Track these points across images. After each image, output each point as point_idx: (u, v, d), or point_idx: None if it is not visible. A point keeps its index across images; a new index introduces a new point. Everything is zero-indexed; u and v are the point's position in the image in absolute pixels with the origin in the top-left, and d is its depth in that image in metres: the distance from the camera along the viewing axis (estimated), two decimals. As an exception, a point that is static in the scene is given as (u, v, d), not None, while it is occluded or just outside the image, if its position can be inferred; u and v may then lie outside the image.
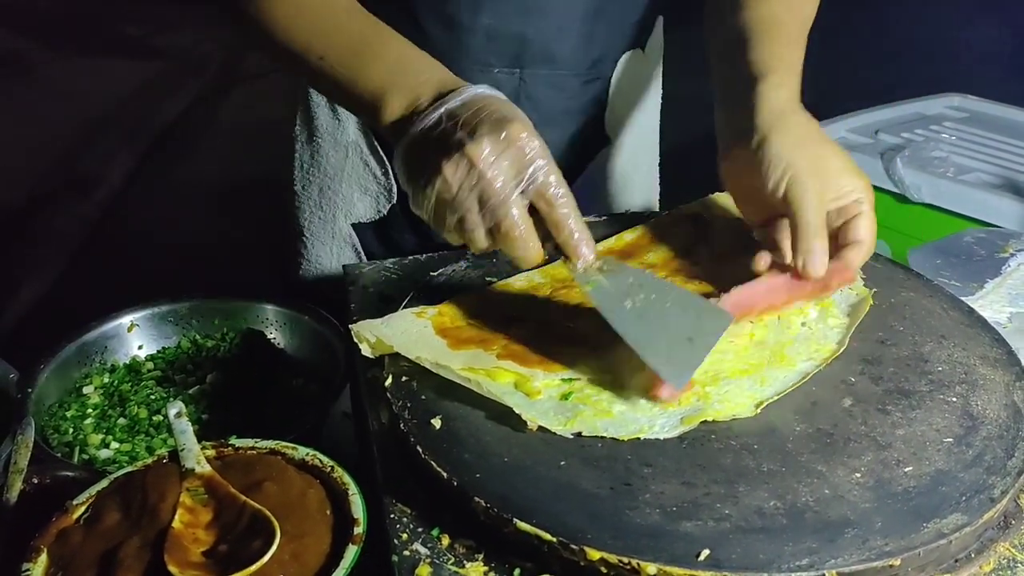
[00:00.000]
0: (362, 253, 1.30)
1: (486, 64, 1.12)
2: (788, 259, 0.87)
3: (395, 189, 1.25)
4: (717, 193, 1.06)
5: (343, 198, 1.28)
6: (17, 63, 5.35)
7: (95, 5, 6.33)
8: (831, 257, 0.85)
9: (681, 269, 0.96)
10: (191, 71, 5.48)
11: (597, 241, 1.02)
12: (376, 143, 1.24)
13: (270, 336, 1.19)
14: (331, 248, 1.31)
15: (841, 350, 0.84)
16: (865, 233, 0.87)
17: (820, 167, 0.86)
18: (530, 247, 0.80)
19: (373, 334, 0.86)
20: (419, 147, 0.82)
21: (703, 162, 1.01)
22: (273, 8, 0.95)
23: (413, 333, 0.86)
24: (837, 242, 0.88)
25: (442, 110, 0.81)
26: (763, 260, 0.88)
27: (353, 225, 1.29)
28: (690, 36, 1.13)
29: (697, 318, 0.79)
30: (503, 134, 0.78)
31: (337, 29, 0.93)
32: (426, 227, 0.86)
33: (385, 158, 1.24)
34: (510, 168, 0.78)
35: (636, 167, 1.30)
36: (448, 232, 0.83)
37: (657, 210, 1.33)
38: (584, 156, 1.25)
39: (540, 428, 0.76)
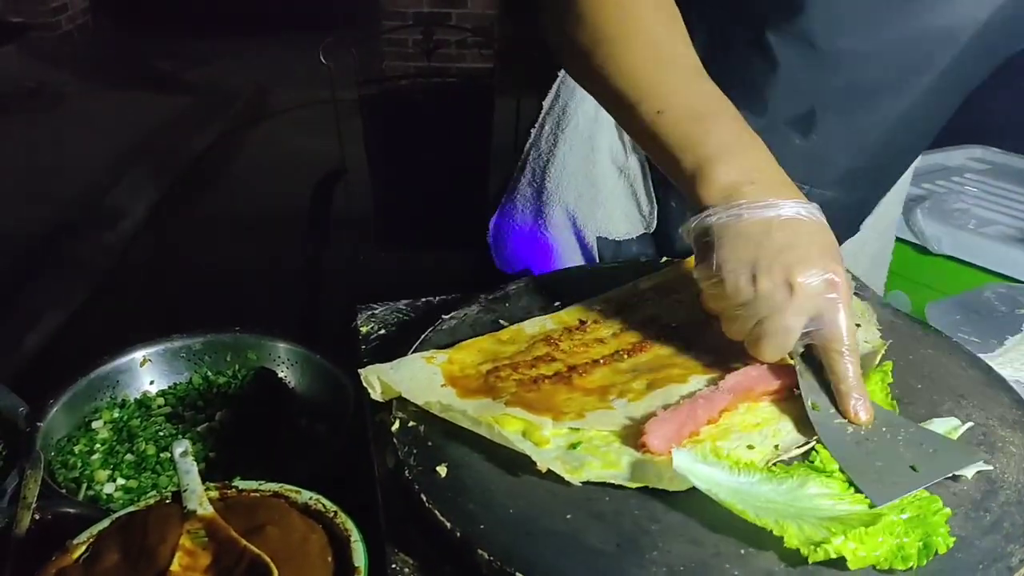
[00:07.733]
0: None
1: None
2: None
3: (656, 223, 1.26)
4: None
5: (604, 213, 1.26)
6: (49, 94, 5.47)
7: (131, 41, 6.49)
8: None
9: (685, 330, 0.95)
10: (219, 106, 5.58)
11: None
12: (651, 181, 1.25)
13: (281, 374, 1.18)
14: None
15: None
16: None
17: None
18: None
19: (381, 379, 0.85)
20: (733, 236, 0.81)
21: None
22: (617, 57, 0.93)
23: (422, 379, 0.86)
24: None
25: (770, 214, 0.80)
26: None
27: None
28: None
29: (932, 452, 0.78)
30: (823, 274, 0.78)
31: (682, 89, 0.91)
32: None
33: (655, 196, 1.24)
34: (807, 304, 0.78)
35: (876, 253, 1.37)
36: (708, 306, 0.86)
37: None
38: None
39: (548, 473, 0.74)
